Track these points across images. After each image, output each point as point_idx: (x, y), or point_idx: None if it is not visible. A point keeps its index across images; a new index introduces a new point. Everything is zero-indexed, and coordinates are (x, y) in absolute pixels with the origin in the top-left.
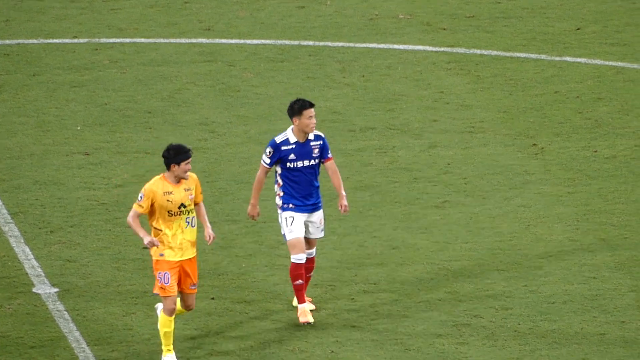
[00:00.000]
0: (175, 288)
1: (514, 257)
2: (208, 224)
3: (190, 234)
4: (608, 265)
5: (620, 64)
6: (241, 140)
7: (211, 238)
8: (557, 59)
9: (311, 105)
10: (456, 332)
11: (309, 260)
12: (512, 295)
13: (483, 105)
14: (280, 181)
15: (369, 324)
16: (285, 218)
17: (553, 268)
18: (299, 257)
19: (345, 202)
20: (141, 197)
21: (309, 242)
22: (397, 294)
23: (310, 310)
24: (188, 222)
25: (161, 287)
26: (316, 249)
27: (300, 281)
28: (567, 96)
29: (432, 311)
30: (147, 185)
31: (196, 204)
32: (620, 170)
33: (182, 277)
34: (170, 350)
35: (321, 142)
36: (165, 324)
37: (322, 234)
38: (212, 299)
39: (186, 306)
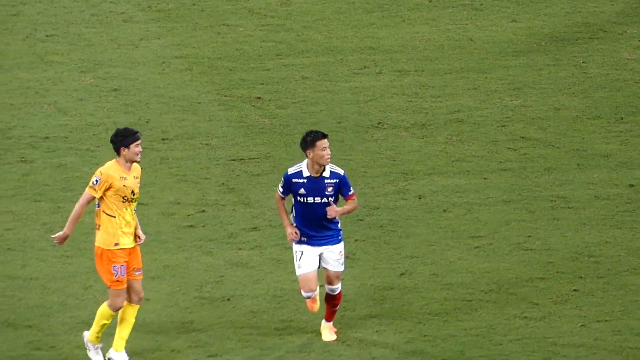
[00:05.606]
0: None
1: None
2: (137, 221)
3: (135, 221)
4: None
5: None
6: None
7: (142, 239)
8: None
9: (324, 136)
10: None
11: (332, 297)
12: None
13: None
14: (294, 212)
15: None
16: (295, 252)
17: None
18: (308, 294)
19: (335, 210)
20: (97, 180)
21: (328, 276)
22: None
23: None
24: (135, 210)
25: (117, 280)
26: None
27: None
28: None
29: None
30: (104, 169)
31: None
32: None
33: (127, 264)
34: (99, 339)
35: (337, 180)
36: (105, 316)
37: (342, 268)
38: (228, 299)
39: (135, 296)
